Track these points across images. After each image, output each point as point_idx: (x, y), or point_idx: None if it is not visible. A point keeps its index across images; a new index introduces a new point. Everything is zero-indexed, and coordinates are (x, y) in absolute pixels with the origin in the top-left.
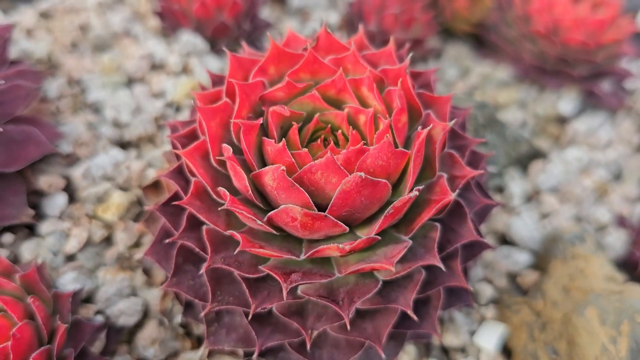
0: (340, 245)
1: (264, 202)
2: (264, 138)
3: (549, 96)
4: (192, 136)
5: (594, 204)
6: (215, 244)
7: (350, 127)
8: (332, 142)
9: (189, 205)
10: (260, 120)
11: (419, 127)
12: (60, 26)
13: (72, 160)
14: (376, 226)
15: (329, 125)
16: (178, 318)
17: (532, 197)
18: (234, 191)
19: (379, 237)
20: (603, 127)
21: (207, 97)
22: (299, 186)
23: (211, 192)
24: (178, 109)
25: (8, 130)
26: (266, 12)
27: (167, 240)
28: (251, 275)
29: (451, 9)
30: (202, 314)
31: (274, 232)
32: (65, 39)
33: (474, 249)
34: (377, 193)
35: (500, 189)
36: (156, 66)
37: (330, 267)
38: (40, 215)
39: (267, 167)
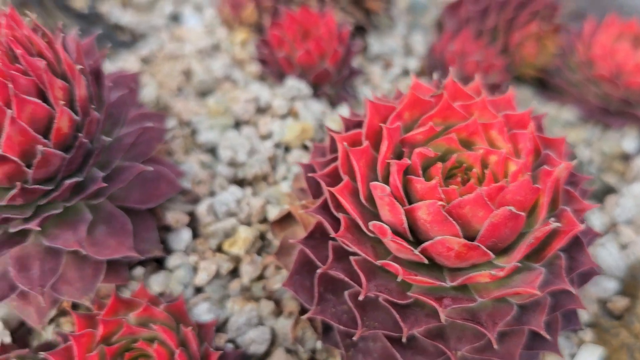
0: (493, 272)
1: (411, 234)
2: (410, 176)
3: (613, 135)
4: (334, 175)
5: None
6: (366, 273)
7: (482, 166)
8: (472, 180)
9: (343, 237)
10: (407, 161)
11: (544, 165)
12: (162, 71)
13: (191, 197)
14: (516, 255)
15: (464, 165)
16: (308, 345)
17: (610, 229)
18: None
19: (520, 265)
20: None
21: (349, 139)
22: (451, 219)
23: (362, 226)
24: (287, 149)
25: (144, 170)
26: None
27: (319, 271)
28: (401, 301)
29: (520, 55)
30: (356, 337)
31: (425, 261)
32: (171, 83)
33: (586, 275)
34: (517, 225)
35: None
36: (261, 109)
37: (469, 292)
38: (167, 250)
39: (420, 203)
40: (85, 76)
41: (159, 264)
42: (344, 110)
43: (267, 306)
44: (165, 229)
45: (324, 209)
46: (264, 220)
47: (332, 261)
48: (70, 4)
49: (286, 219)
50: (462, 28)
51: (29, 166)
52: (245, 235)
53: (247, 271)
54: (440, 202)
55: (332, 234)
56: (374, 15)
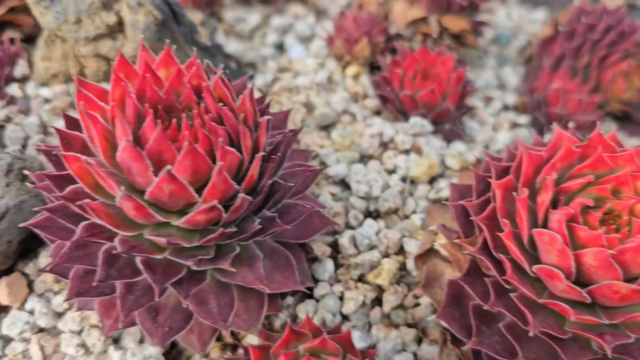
0: None
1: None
2: (574, 224)
3: None
4: (492, 217)
5: None
6: (530, 309)
7: (630, 214)
8: (624, 228)
9: (511, 278)
10: (571, 210)
11: None
12: (279, 103)
13: (329, 229)
14: None
15: (614, 213)
16: None
17: None
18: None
19: None
20: None
21: (503, 186)
22: (616, 265)
23: (527, 269)
24: (413, 182)
25: (299, 206)
26: None
27: (485, 307)
28: (561, 336)
29: (610, 91)
30: None
31: (589, 301)
32: (295, 116)
33: None
34: None
35: None
36: (383, 143)
37: (621, 329)
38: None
39: (587, 249)
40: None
41: (304, 293)
42: (459, 146)
43: (408, 333)
44: (310, 260)
45: (484, 249)
46: (399, 252)
47: (494, 298)
48: (197, 37)
49: (427, 253)
50: (558, 65)
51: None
52: (389, 267)
53: (389, 300)
54: (611, 251)
55: (495, 274)
56: (466, 49)
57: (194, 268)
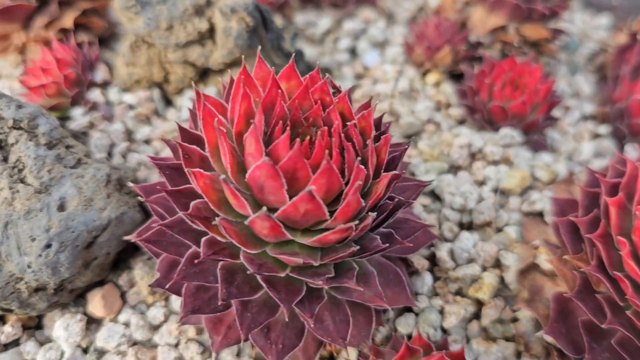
0: None
1: None
2: None
3: None
4: (602, 235)
5: None
6: None
7: None
8: None
9: (632, 297)
10: None
11: None
12: None
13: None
14: None
15: None
16: None
17: None
18: None
19: None
20: None
21: (615, 203)
22: None
23: None
24: (503, 194)
25: (411, 221)
26: None
27: (603, 325)
28: None
29: None
30: None
31: None
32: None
33: None
34: None
35: None
36: (472, 154)
37: None
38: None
39: None
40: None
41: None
42: (545, 157)
43: (507, 347)
44: (410, 274)
45: (599, 267)
46: (495, 265)
47: (611, 316)
48: (282, 44)
49: (528, 269)
50: (637, 74)
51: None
52: (489, 281)
53: (489, 314)
54: None
55: (611, 291)
56: (542, 56)
57: (322, 286)
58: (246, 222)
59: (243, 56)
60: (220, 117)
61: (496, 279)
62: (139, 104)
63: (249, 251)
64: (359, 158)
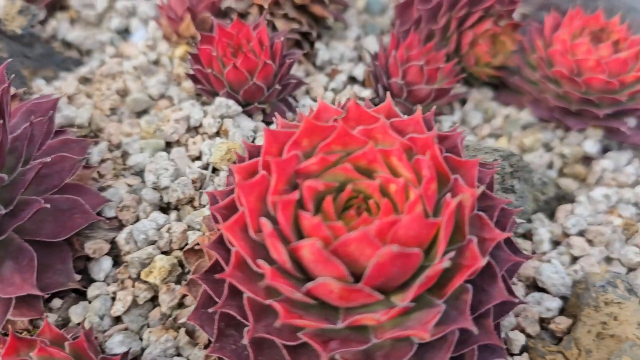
0: (376, 316)
1: (302, 272)
2: (300, 211)
3: (575, 136)
4: (231, 207)
5: (624, 244)
6: (257, 312)
7: (382, 195)
8: (364, 212)
9: (231, 277)
10: (297, 195)
11: (448, 193)
12: (99, 91)
13: (115, 224)
14: (410, 293)
15: (362, 195)
16: None
17: (561, 241)
18: (271, 261)
19: (414, 304)
20: (631, 165)
21: (244, 169)
22: (335, 259)
23: (251, 264)
24: (215, 171)
25: (55, 201)
26: (294, 67)
27: (210, 309)
28: (291, 343)
29: (474, 54)
30: None
31: (312, 302)
32: (104, 104)
33: (505, 306)
34: (409, 262)
35: (530, 235)
36: (191, 128)
37: (366, 332)
38: (88, 280)
39: (303, 241)
40: None
41: (80, 294)
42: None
43: (185, 336)
44: (86, 258)
45: (221, 243)
46: (185, 246)
47: (226, 299)
48: (2, 27)
49: (194, 249)
50: (410, 30)
51: None
52: (161, 264)
53: (165, 300)
54: (320, 243)
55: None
56: (327, 20)
57: None
58: None
59: None
60: None
61: (171, 261)
62: None
63: None
64: None
